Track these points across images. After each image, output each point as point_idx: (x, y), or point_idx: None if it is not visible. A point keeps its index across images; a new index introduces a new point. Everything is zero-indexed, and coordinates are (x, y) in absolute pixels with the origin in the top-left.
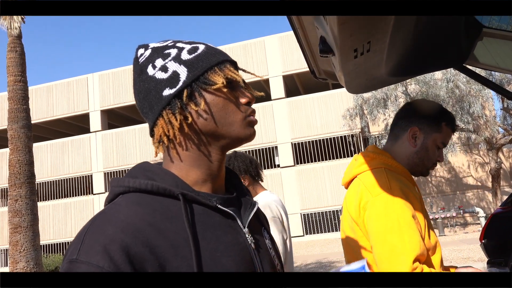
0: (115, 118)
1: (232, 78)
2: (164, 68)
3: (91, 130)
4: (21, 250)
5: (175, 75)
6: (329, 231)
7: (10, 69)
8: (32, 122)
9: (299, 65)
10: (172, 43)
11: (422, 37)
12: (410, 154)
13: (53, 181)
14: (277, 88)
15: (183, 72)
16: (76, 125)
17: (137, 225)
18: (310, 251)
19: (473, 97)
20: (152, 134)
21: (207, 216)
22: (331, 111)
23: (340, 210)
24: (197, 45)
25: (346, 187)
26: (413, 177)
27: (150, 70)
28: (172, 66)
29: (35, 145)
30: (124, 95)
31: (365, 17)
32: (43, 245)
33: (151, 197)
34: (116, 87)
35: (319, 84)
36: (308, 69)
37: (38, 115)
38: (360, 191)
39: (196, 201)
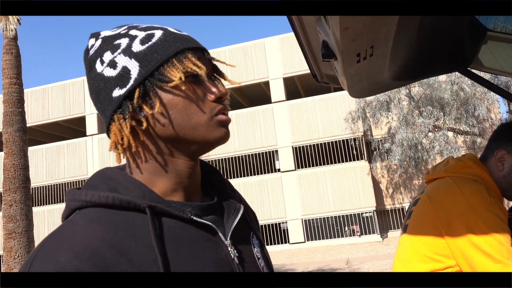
0: None
1: (193, 71)
2: (112, 64)
3: (87, 134)
4: (15, 257)
5: (125, 72)
6: (331, 237)
7: (5, 71)
8: (27, 125)
9: (300, 67)
10: (125, 30)
11: (426, 41)
12: (497, 178)
13: (49, 185)
14: (277, 90)
15: (134, 68)
16: (72, 128)
17: (95, 247)
18: (311, 258)
19: (478, 100)
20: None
21: (181, 230)
22: (333, 114)
23: (345, 215)
24: (153, 31)
25: (427, 182)
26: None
27: (98, 66)
28: (122, 60)
29: (30, 148)
30: None
31: (367, 21)
32: None
33: (113, 212)
34: None
35: (321, 86)
36: (309, 71)
37: (33, 118)
38: (455, 195)
39: (167, 214)
